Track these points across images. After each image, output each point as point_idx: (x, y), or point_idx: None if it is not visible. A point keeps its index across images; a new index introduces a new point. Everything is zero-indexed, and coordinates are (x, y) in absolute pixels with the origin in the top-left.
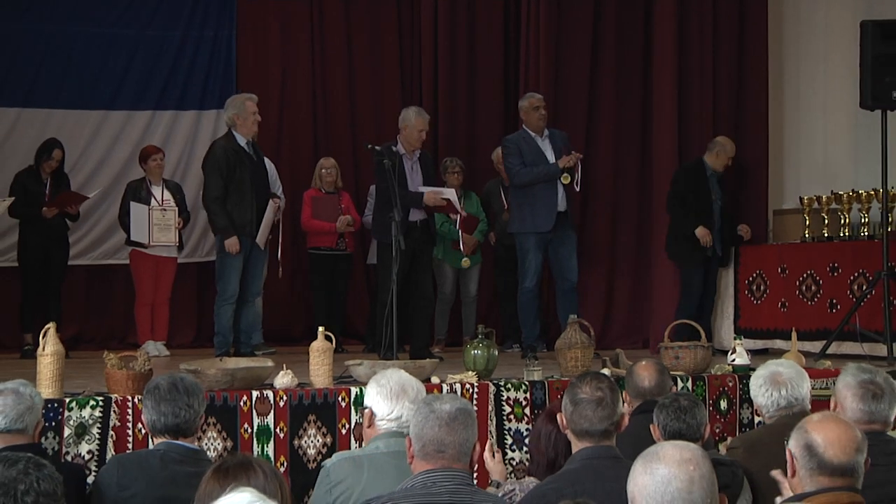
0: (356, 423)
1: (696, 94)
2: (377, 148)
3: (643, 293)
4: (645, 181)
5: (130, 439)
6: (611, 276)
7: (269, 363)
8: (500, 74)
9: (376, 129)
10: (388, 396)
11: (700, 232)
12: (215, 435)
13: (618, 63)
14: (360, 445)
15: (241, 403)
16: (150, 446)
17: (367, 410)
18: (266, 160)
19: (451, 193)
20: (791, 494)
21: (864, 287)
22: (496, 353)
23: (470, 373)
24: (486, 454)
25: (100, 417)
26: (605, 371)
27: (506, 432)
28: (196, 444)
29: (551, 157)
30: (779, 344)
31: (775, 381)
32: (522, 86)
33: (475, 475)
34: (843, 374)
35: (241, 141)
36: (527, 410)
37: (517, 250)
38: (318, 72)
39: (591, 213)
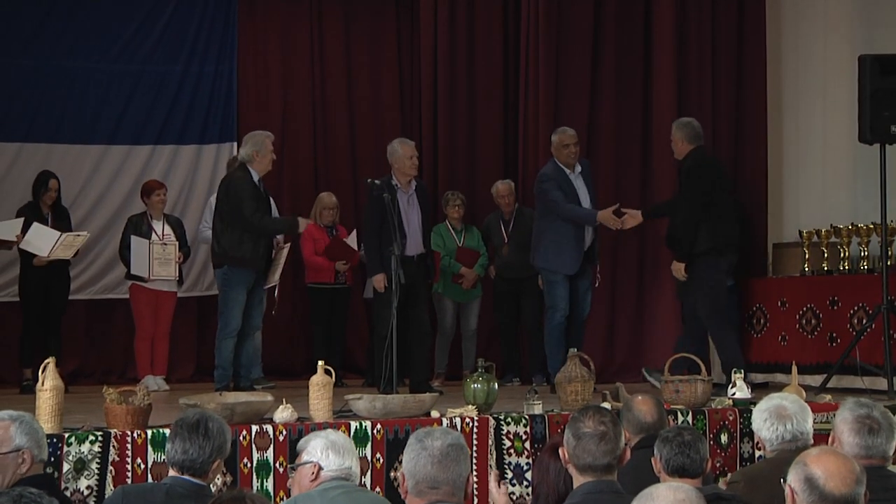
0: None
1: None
2: (376, 182)
3: (644, 324)
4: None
5: (130, 474)
6: (612, 306)
7: (269, 397)
8: (500, 108)
9: (377, 163)
10: (340, 451)
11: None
12: None
13: (616, 99)
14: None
15: (241, 438)
16: (149, 480)
17: (310, 466)
18: None
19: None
20: None
21: (864, 321)
22: (496, 386)
23: (470, 407)
24: (492, 485)
25: (99, 452)
26: (606, 405)
27: (506, 466)
28: (206, 481)
29: (583, 196)
30: (779, 377)
31: (780, 415)
32: (521, 118)
33: None
34: (840, 409)
35: (255, 177)
36: (527, 444)
37: (544, 283)
38: (319, 105)
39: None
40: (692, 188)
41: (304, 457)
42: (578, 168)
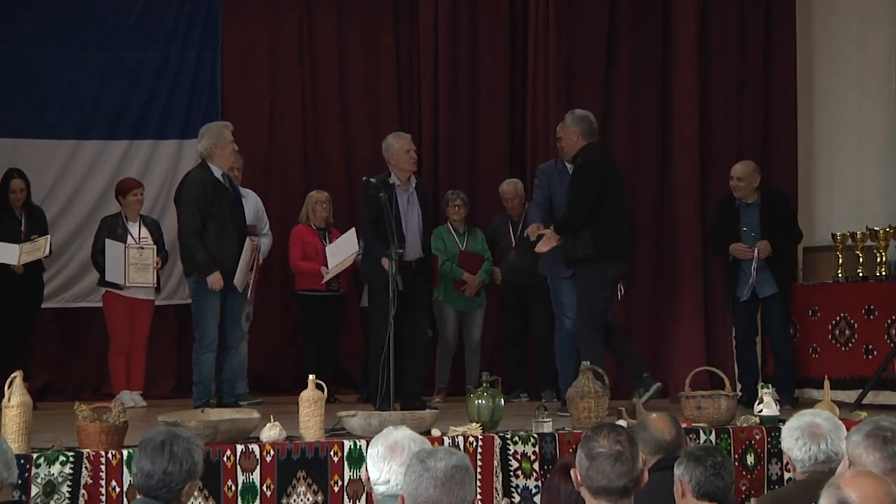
0: (349, 479)
1: (720, 124)
2: (372, 180)
3: (663, 335)
4: (664, 215)
5: (103, 498)
6: (628, 315)
7: (255, 414)
8: (506, 100)
9: (372, 160)
10: (377, 458)
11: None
12: (196, 493)
13: (631, 97)
14: None
15: (225, 458)
16: None
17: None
18: (252, 193)
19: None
20: None
21: None
22: (502, 402)
23: (474, 424)
24: None
25: (70, 475)
26: (622, 422)
27: (513, 489)
28: None
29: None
30: (809, 393)
31: (813, 434)
32: (530, 114)
33: None
34: (849, 435)
35: (217, 172)
36: (535, 465)
37: (550, 292)
38: (310, 97)
39: None
40: (582, 186)
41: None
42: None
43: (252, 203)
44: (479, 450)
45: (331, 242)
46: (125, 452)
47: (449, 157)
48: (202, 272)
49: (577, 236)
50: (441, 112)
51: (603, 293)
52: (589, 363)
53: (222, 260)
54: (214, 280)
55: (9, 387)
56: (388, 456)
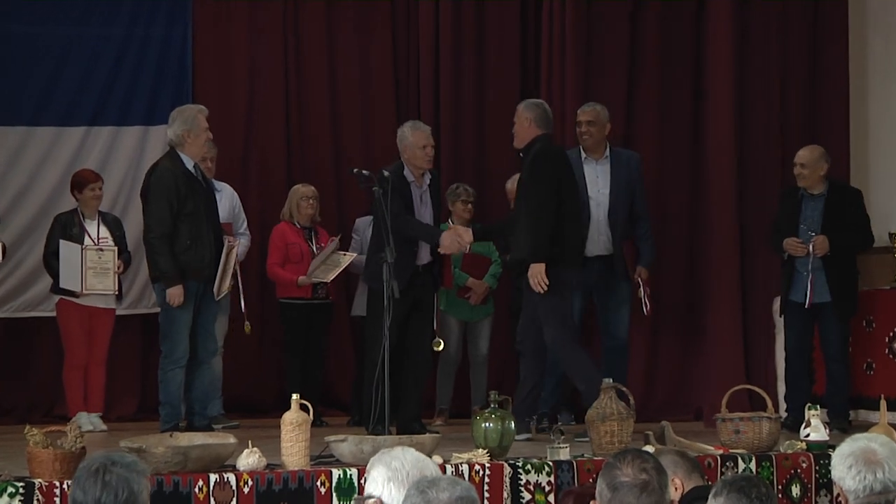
0: None
1: (762, 115)
2: (364, 172)
3: (695, 348)
4: (697, 212)
5: None
6: (654, 326)
7: (231, 439)
8: (517, 81)
9: (364, 149)
10: (403, 483)
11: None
12: None
13: (663, 79)
14: None
15: (197, 489)
16: None
17: (372, 501)
18: (227, 187)
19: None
20: None
21: None
22: (512, 425)
23: (480, 451)
24: None
25: None
26: (649, 448)
27: None
28: None
29: (605, 186)
30: (863, 414)
31: (869, 461)
32: (545, 96)
33: None
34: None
35: (189, 163)
36: (551, 498)
37: None
38: (294, 78)
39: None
40: (536, 180)
41: (367, 488)
42: (607, 154)
43: (227, 198)
44: (487, 479)
45: (317, 243)
46: None
47: (452, 147)
48: (165, 281)
49: (537, 227)
50: (443, 94)
51: (569, 300)
52: (583, 385)
53: (198, 267)
54: (174, 295)
55: None
56: (388, 478)
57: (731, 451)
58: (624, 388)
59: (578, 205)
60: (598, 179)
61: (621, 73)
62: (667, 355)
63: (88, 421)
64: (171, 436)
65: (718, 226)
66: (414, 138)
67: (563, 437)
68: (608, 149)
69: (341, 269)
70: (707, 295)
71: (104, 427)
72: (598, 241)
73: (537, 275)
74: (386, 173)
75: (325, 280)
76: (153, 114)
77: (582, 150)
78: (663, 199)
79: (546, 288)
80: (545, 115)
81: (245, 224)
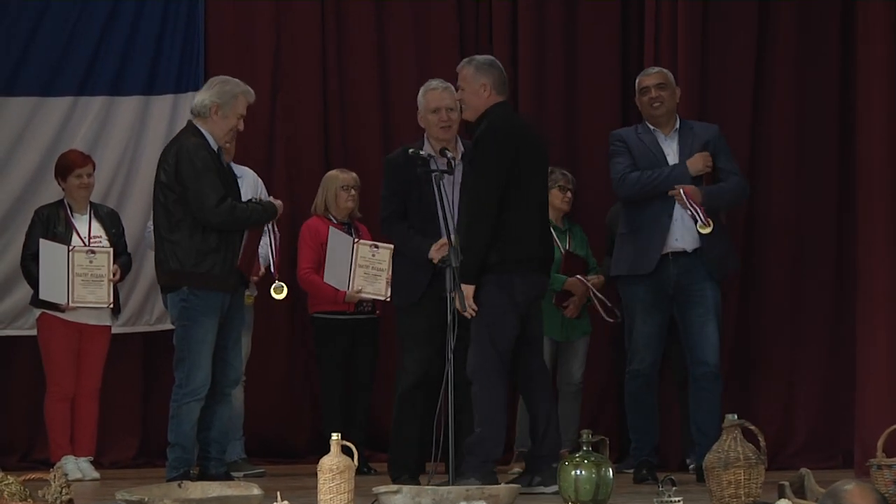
0: None
1: None
2: (422, 153)
3: (839, 378)
4: (843, 207)
5: None
6: (790, 352)
7: (255, 490)
8: (617, 50)
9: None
10: None
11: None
12: None
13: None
14: None
15: None
16: None
17: None
18: (249, 172)
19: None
20: None
21: None
22: (611, 474)
23: None
24: None
25: None
26: (784, 502)
27: None
28: None
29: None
30: None
31: None
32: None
33: None
34: None
35: (213, 144)
36: None
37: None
38: (333, 39)
39: (759, 256)
40: (488, 158)
41: None
42: (677, 126)
43: (250, 186)
44: None
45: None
46: None
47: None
48: (264, 215)
49: (471, 233)
50: (523, 52)
51: (508, 319)
52: (480, 427)
53: (223, 273)
54: (280, 205)
55: None
56: None
57: None
58: (753, 428)
59: (542, 193)
60: (670, 158)
61: (746, 74)
62: (807, 384)
63: (76, 467)
64: (180, 486)
65: (872, 217)
66: (425, 101)
67: (674, 487)
68: (678, 121)
69: (389, 270)
70: (854, 307)
71: (96, 475)
72: (679, 233)
73: (466, 298)
74: (423, 153)
75: (382, 296)
76: (153, 81)
77: (648, 124)
78: (803, 205)
79: (475, 313)
80: (503, 78)
81: None
